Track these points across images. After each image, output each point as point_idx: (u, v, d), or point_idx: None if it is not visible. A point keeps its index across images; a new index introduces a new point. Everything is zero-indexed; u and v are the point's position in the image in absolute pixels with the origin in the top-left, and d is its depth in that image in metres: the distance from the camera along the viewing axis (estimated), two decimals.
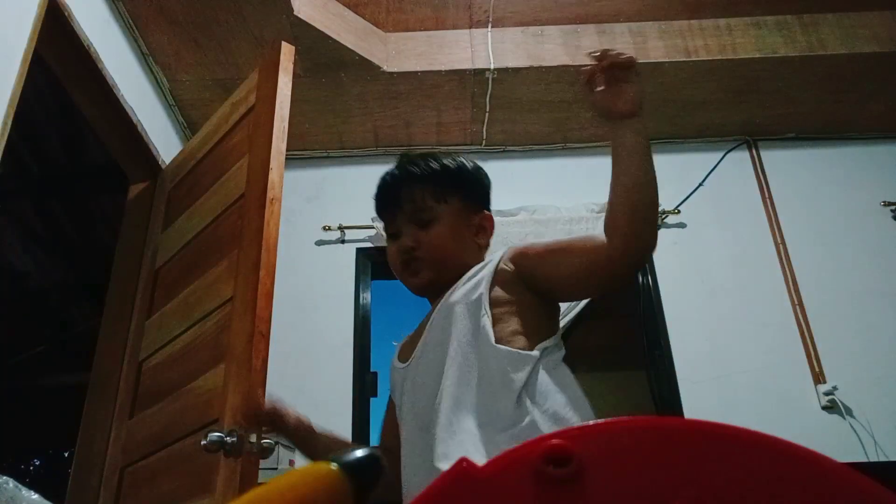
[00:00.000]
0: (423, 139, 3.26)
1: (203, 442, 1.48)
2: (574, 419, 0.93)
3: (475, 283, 1.06)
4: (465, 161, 1.20)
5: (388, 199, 1.18)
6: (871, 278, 2.92)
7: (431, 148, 3.28)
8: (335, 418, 2.69)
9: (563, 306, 2.73)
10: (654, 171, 1.05)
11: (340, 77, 2.85)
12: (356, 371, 2.80)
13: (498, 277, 1.06)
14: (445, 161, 1.18)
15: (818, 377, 2.71)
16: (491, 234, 1.20)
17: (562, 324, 2.74)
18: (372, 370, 2.87)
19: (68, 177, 3.45)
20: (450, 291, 1.09)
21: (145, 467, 1.92)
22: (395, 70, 2.86)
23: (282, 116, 1.91)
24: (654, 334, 2.90)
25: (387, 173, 1.20)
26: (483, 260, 1.14)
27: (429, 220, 1.13)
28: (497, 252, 1.12)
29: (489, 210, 1.21)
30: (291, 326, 2.78)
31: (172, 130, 2.87)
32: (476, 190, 1.20)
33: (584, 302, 2.76)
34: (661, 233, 3.06)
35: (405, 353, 1.14)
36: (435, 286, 1.13)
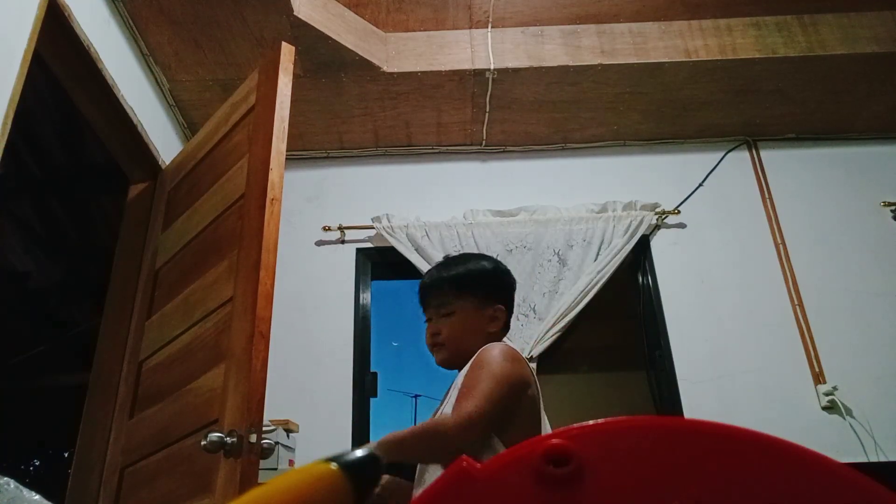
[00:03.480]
0: (423, 139, 3.26)
1: (203, 442, 1.48)
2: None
3: (463, 372, 1.33)
4: (487, 264, 1.50)
5: (423, 293, 1.50)
6: (871, 278, 2.92)
7: (432, 149, 3.29)
8: (335, 418, 2.69)
9: (564, 306, 2.74)
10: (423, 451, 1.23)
11: (340, 77, 2.85)
12: (356, 371, 2.80)
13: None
14: (470, 265, 1.49)
15: (818, 377, 2.71)
16: (502, 322, 1.46)
17: (562, 324, 2.76)
18: (372, 370, 2.87)
19: (68, 177, 3.45)
20: (461, 373, 1.35)
21: (145, 468, 1.92)
22: (395, 70, 2.86)
23: (282, 117, 1.91)
24: (654, 334, 2.90)
25: (427, 273, 1.56)
26: (497, 340, 1.42)
27: (448, 312, 1.45)
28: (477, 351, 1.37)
29: (506, 304, 1.48)
30: (291, 326, 2.78)
31: (172, 131, 2.87)
32: (491, 288, 1.47)
33: (584, 302, 2.76)
34: (661, 233, 3.07)
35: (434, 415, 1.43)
36: (452, 363, 1.43)
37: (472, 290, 1.45)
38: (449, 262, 1.53)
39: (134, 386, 2.16)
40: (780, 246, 3.00)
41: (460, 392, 1.25)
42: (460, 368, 1.38)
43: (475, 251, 2.79)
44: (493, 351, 1.30)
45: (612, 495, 0.33)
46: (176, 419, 1.84)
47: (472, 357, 1.35)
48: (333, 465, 0.37)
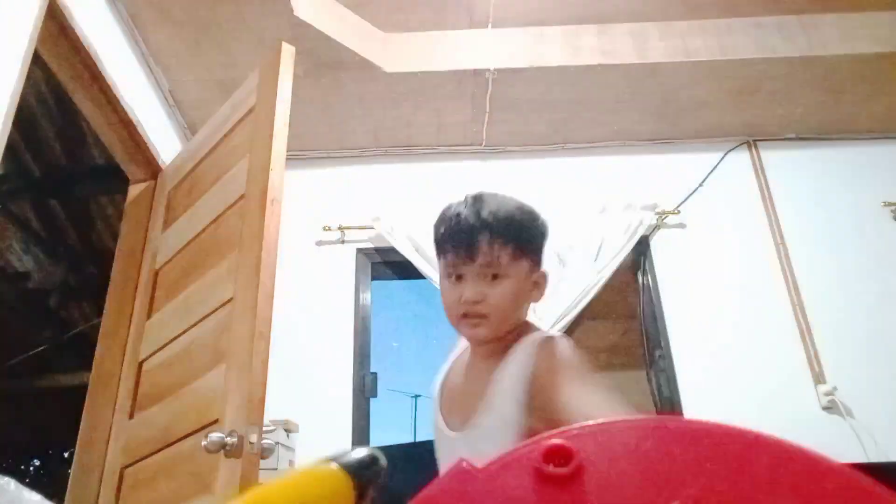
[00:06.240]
0: (423, 139, 3.26)
1: (204, 442, 1.49)
2: None
3: (515, 378, 1.06)
4: (543, 220, 1.19)
5: (460, 241, 1.12)
6: (872, 278, 2.92)
7: (432, 149, 3.28)
8: (335, 418, 2.69)
9: (564, 307, 2.74)
10: None
11: (340, 77, 2.85)
12: (356, 371, 2.80)
13: (530, 386, 1.05)
14: (524, 217, 1.16)
15: (818, 377, 2.71)
16: (544, 291, 1.18)
17: (562, 324, 2.76)
18: (372, 370, 2.88)
19: (68, 177, 3.45)
20: (501, 366, 1.09)
21: (145, 467, 1.92)
22: (395, 70, 2.86)
23: (282, 117, 1.91)
24: (654, 334, 2.90)
25: (462, 212, 1.14)
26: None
27: (499, 275, 1.11)
28: (534, 340, 1.10)
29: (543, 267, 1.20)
30: (291, 326, 2.78)
31: (172, 131, 2.87)
32: (543, 249, 1.18)
33: (584, 302, 2.76)
34: (661, 233, 3.07)
35: (453, 410, 1.17)
36: (489, 341, 1.14)
37: (531, 254, 1.14)
38: (493, 206, 1.14)
39: (134, 386, 2.16)
40: (780, 246, 3.00)
41: (563, 411, 0.94)
42: (491, 353, 1.13)
43: None
44: (572, 354, 1.05)
45: (611, 495, 0.34)
46: (176, 419, 1.84)
47: (507, 337, 1.12)
48: (334, 465, 0.37)
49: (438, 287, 1.21)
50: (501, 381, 1.08)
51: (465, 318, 1.12)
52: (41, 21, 1.85)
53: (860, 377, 2.70)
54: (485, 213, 1.12)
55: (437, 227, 1.18)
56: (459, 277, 1.12)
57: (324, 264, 3.03)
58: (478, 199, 1.16)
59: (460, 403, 1.15)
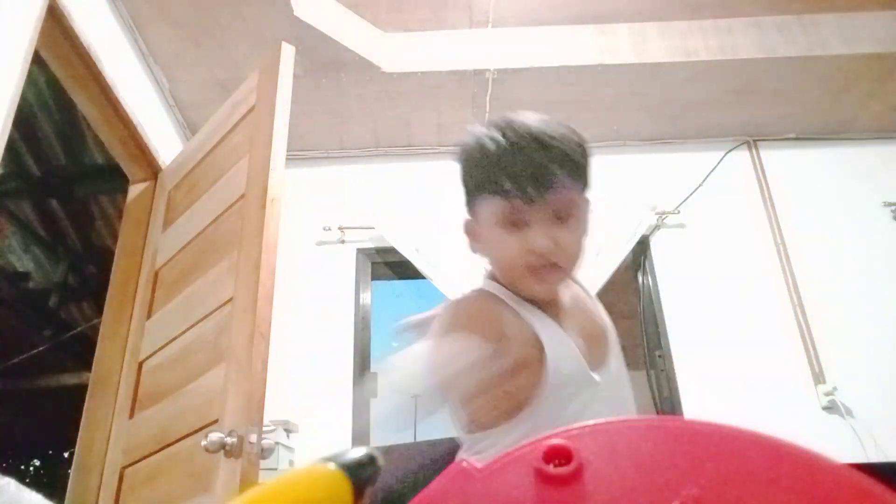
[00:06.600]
0: (423, 139, 3.26)
1: (203, 442, 1.48)
2: None
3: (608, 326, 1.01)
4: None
5: (526, 179, 0.89)
6: (872, 278, 2.92)
7: (432, 149, 3.28)
8: (335, 418, 2.69)
9: None
10: None
11: (340, 77, 2.85)
12: (356, 371, 2.80)
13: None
14: (581, 140, 0.96)
15: (818, 377, 2.71)
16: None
17: None
18: (372, 370, 2.87)
19: (68, 177, 3.45)
20: (589, 299, 1.03)
21: (145, 468, 1.92)
22: (395, 70, 2.86)
23: (282, 117, 1.91)
24: (654, 334, 2.90)
25: (517, 141, 0.91)
26: None
27: (572, 216, 0.93)
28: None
29: None
30: (291, 327, 2.78)
31: (172, 131, 2.87)
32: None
33: None
34: (661, 233, 3.06)
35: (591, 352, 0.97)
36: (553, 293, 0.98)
37: (589, 185, 0.98)
38: (553, 131, 0.93)
39: (134, 386, 2.16)
40: (780, 246, 3.00)
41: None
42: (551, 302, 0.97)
43: None
44: None
45: (611, 495, 0.33)
46: (176, 419, 1.84)
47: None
48: (332, 465, 0.37)
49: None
50: (603, 315, 0.99)
51: (534, 271, 0.92)
52: (41, 21, 1.85)
53: (860, 377, 2.70)
54: (550, 141, 0.91)
55: (478, 165, 0.94)
56: (521, 224, 0.92)
57: (324, 264, 3.03)
58: (519, 124, 0.94)
59: (591, 345, 0.96)
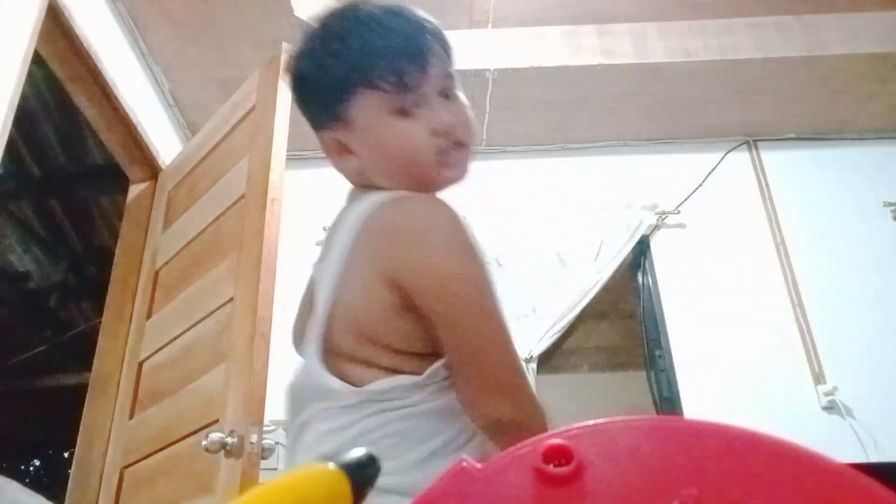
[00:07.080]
0: None
1: (204, 442, 1.49)
2: None
3: None
4: None
5: (401, 57, 0.80)
6: (872, 278, 2.92)
7: None
8: None
9: (564, 306, 2.74)
10: None
11: None
12: None
13: None
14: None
15: (818, 377, 2.71)
16: None
17: (562, 324, 2.76)
18: None
19: (68, 177, 3.45)
20: None
21: (145, 468, 1.92)
22: None
23: (282, 117, 1.91)
24: (654, 334, 2.90)
25: (378, 20, 0.81)
26: None
27: (452, 91, 0.87)
28: None
29: None
30: (292, 327, 2.78)
31: (172, 131, 2.87)
32: None
33: (585, 302, 2.76)
34: (661, 233, 3.06)
35: None
36: None
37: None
38: (406, 8, 0.85)
39: (134, 386, 2.16)
40: (780, 246, 3.00)
41: None
42: None
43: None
44: None
45: (611, 495, 0.34)
46: (176, 419, 1.84)
47: None
48: (331, 465, 0.37)
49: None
50: None
51: (443, 155, 0.85)
52: (41, 21, 1.85)
53: (860, 377, 2.70)
54: (408, 14, 0.83)
55: (339, 63, 0.81)
56: (411, 109, 0.83)
57: None
58: (361, 8, 0.83)
59: None
